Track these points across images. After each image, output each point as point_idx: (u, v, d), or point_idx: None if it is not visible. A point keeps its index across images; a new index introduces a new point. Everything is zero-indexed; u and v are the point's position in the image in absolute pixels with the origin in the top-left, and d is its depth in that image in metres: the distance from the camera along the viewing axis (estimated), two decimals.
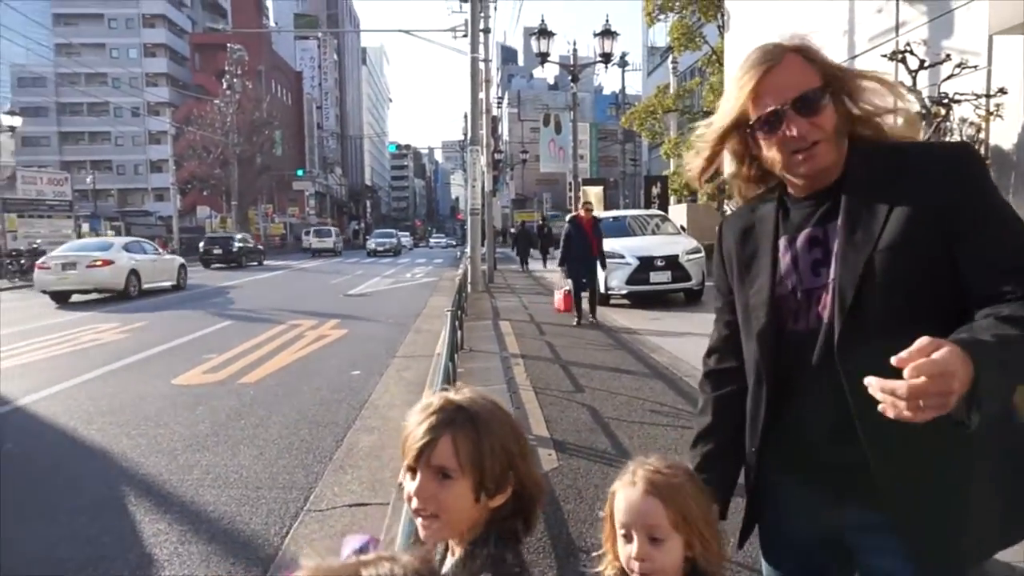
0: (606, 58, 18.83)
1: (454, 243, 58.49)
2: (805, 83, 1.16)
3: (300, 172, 56.30)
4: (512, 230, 38.41)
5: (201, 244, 28.97)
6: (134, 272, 15.72)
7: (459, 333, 7.48)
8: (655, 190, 21.92)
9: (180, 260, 19.13)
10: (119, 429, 5.27)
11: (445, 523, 0.99)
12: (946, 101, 8.60)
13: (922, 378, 0.84)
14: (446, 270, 23.97)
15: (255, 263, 29.08)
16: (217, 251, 27.57)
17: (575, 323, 9.37)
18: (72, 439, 5.10)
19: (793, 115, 1.15)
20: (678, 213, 19.20)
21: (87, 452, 4.81)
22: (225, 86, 43.05)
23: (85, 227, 27.65)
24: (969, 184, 1.13)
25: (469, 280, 13.59)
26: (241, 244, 28.60)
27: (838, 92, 1.19)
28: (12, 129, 23.69)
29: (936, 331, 0.92)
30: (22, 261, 20.41)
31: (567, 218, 10.60)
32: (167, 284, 17.58)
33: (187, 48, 63.29)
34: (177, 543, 3.34)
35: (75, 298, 15.30)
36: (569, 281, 9.63)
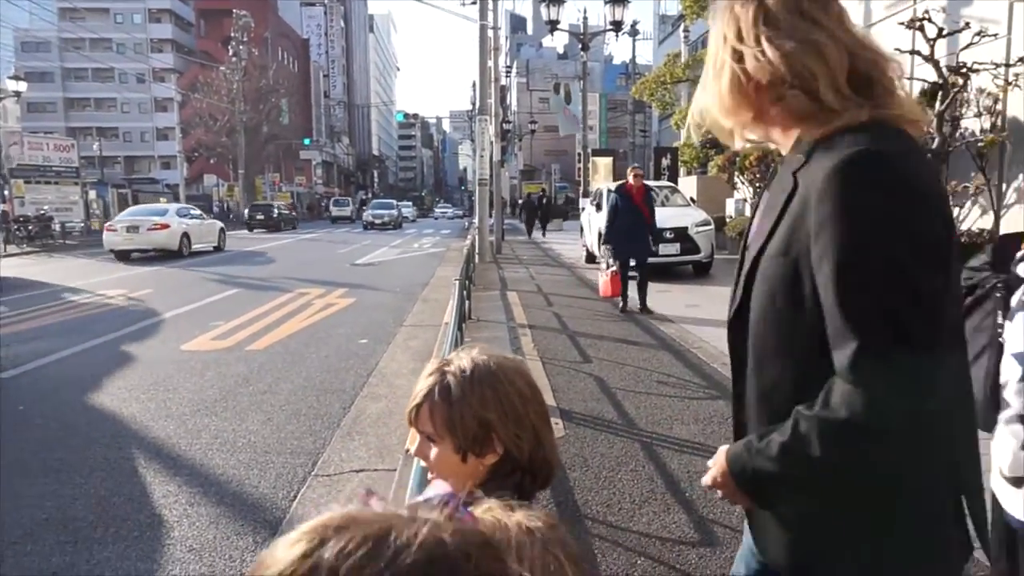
0: (617, 26, 18.53)
1: (461, 214, 56.27)
2: None
3: (307, 141, 55.94)
4: (520, 201, 38.54)
5: (247, 210, 33.99)
6: (185, 235, 18.01)
7: (467, 303, 7.47)
8: (665, 161, 21.69)
9: (220, 224, 21.35)
10: (129, 393, 5.31)
11: (442, 479, 1.04)
12: (964, 71, 8.43)
13: (719, 492, 1.12)
14: (453, 241, 23.91)
15: (291, 227, 33.99)
16: (260, 216, 32.25)
17: (620, 309, 8.14)
18: (83, 402, 5.14)
19: None
20: (688, 185, 19.01)
21: (98, 415, 4.85)
22: (231, 53, 42.59)
23: (92, 194, 27.61)
24: (827, 209, 0.93)
25: (477, 251, 13.55)
26: (279, 211, 33.95)
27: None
28: (17, 94, 23.54)
29: (800, 354, 0.98)
30: (30, 227, 20.46)
31: (611, 187, 8.89)
32: (210, 246, 19.72)
33: (192, 14, 62.54)
34: (187, 505, 3.37)
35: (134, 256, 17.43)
36: (614, 261, 8.04)
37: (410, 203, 56.57)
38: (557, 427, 4.15)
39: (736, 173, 15.72)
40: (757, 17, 1.02)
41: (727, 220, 15.81)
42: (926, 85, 9.09)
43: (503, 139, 19.72)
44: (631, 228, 7.95)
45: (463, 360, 1.05)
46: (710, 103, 1.10)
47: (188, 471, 3.81)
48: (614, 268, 7.99)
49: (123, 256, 17.19)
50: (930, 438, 0.95)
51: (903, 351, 0.89)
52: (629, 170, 8.34)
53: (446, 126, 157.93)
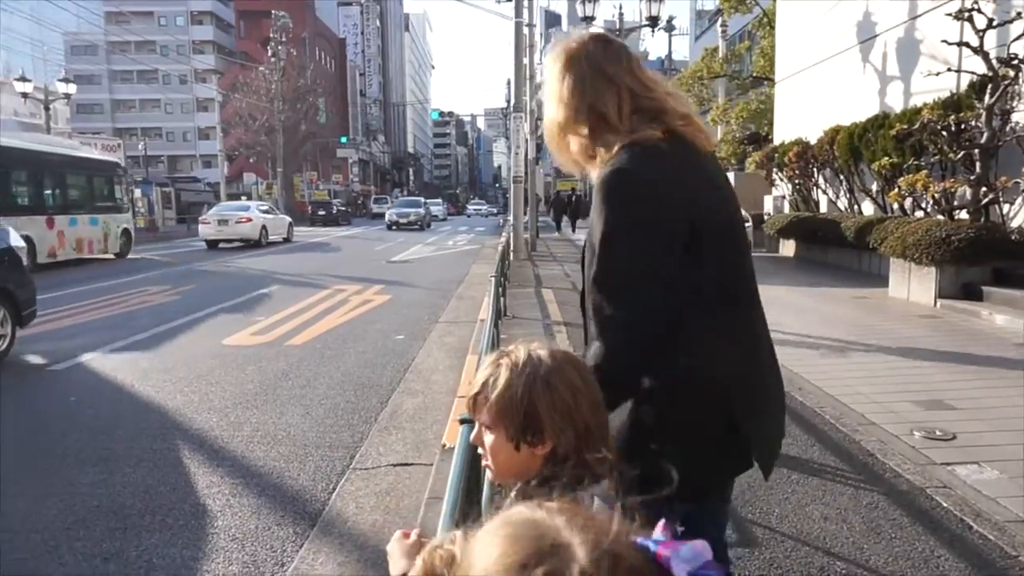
0: (653, 22, 18.31)
1: (495, 211, 55.28)
2: None
3: (343, 139, 56.66)
4: (550, 198, 38.63)
5: (310, 207, 39.73)
6: (264, 227, 21.32)
7: (502, 300, 7.50)
8: None
9: (289, 219, 24.76)
10: (173, 386, 5.45)
11: (496, 467, 1.09)
12: (1015, 62, 8.14)
13: None
14: (488, 238, 23.98)
15: (346, 223, 38.43)
16: (322, 212, 37.69)
17: None
18: (129, 394, 5.30)
19: None
20: None
21: (144, 406, 4.99)
22: (270, 53, 43.30)
23: (137, 192, 28.35)
24: (596, 210, 1.34)
25: (512, 248, 13.57)
26: (337, 208, 40.22)
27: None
28: (67, 96, 24.31)
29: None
30: None
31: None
32: (280, 237, 22.83)
33: (232, 15, 63.80)
34: (229, 495, 3.45)
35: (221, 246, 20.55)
36: None
37: (440, 200, 54.33)
38: None
39: (775, 170, 15.45)
40: (567, 74, 1.42)
41: (765, 217, 15.56)
42: (975, 78, 8.82)
43: (538, 136, 19.68)
44: None
45: (519, 352, 1.08)
46: (547, 129, 1.49)
47: (230, 463, 3.90)
48: None
49: (212, 245, 20.58)
50: (667, 376, 1.32)
51: (608, 316, 1.30)
52: None
53: (480, 124, 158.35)
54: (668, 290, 1.31)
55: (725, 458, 1.41)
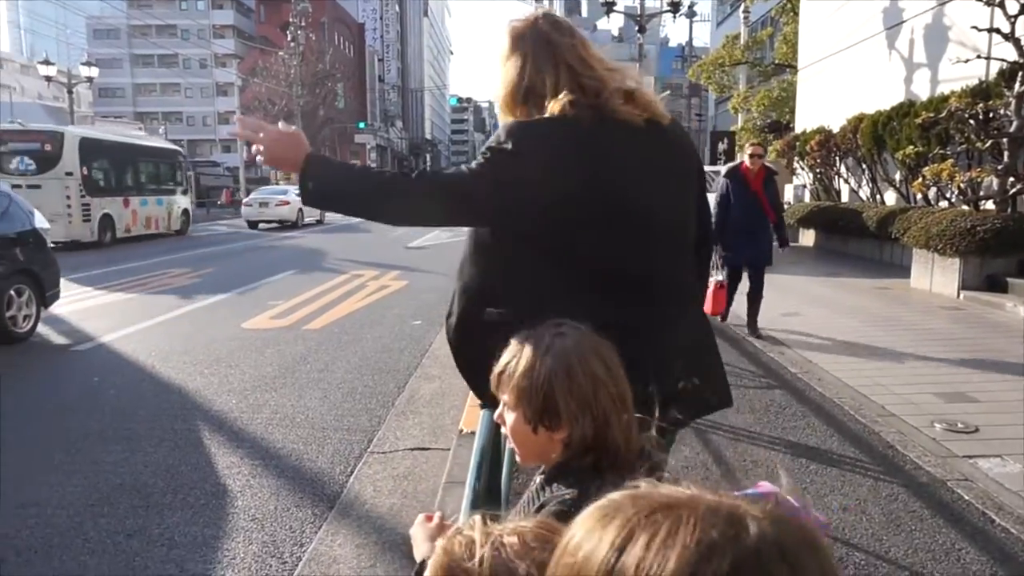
0: (674, 8, 18.14)
1: None
2: None
3: (361, 125, 56.72)
4: None
5: None
6: (300, 209, 23.01)
7: None
8: (721, 146, 21.21)
9: None
10: (193, 368, 5.52)
11: (518, 447, 1.11)
12: None
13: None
14: None
15: None
16: None
17: (720, 320, 6.42)
18: (151, 375, 5.38)
19: None
20: None
21: (165, 387, 5.06)
22: (289, 38, 43.36)
23: None
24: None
25: None
26: None
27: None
28: (90, 80, 24.51)
29: None
30: None
31: (723, 170, 6.96)
32: (315, 219, 24.73)
33: (252, 0, 63.90)
34: (249, 476, 3.50)
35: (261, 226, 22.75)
36: (722, 268, 6.21)
37: None
38: None
39: (796, 158, 15.26)
40: (512, 53, 1.54)
41: (786, 206, 15.38)
42: (1005, 65, 8.63)
43: None
44: (748, 224, 6.04)
45: (545, 335, 1.08)
46: (497, 97, 1.58)
47: (250, 444, 3.94)
48: (720, 278, 6.13)
49: (253, 225, 22.58)
50: None
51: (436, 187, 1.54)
52: (746, 146, 6.38)
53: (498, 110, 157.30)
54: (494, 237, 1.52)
55: None
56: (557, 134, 1.45)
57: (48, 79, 23.40)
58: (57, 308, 7.40)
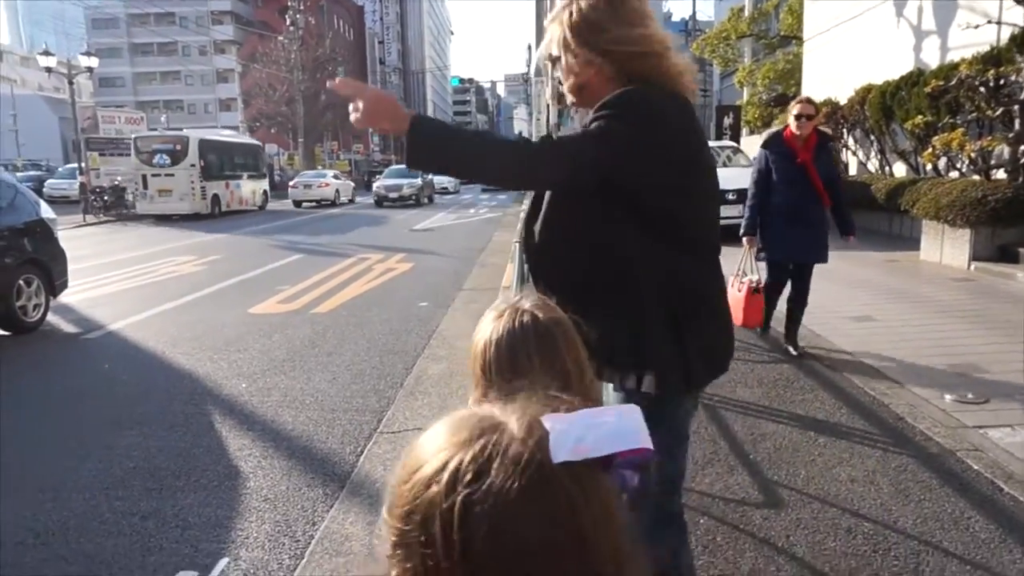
0: None
1: None
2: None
3: None
4: None
5: (366, 175, 44.25)
6: (337, 190, 27.53)
7: (525, 266, 7.46)
8: (727, 120, 20.99)
9: (353, 184, 32.00)
10: (203, 353, 5.55)
11: None
12: None
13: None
14: (511, 206, 23.86)
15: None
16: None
17: (759, 332, 5.16)
18: (161, 361, 5.41)
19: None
20: (751, 145, 18.38)
21: (175, 373, 5.10)
22: (288, 22, 43.05)
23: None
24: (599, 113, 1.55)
25: None
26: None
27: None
28: (90, 70, 24.41)
29: None
30: (105, 197, 21.36)
31: (762, 140, 5.19)
32: (348, 199, 28.91)
33: None
34: (260, 458, 3.53)
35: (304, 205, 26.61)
36: (756, 264, 4.85)
37: None
38: None
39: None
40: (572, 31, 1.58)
41: None
42: (1016, 29, 8.48)
43: (559, 102, 19.43)
44: (795, 209, 4.59)
45: (508, 307, 1.12)
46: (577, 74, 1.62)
47: (260, 427, 3.97)
48: (753, 278, 4.74)
49: (298, 204, 26.62)
50: None
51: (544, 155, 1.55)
52: (792, 105, 4.83)
53: (500, 90, 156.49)
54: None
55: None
56: (662, 104, 1.53)
57: (48, 70, 23.32)
58: (66, 297, 7.44)
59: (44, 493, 3.17)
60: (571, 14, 1.57)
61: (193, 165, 20.69)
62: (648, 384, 1.55)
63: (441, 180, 36.28)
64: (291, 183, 28.29)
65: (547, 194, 1.62)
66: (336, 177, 29.09)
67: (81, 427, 4.03)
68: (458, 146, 1.48)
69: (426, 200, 27.44)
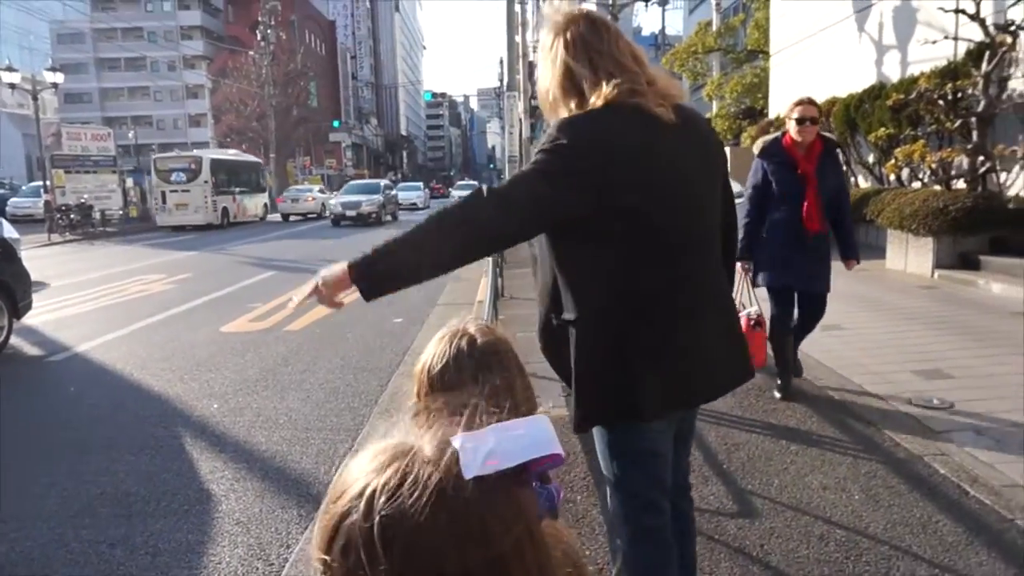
0: None
1: None
2: None
3: (336, 123, 56.28)
4: None
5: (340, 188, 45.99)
6: (323, 203, 28.30)
7: (500, 280, 7.48)
8: None
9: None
10: (173, 374, 5.46)
11: None
12: (1013, 29, 8.09)
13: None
14: None
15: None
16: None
17: (779, 387, 4.20)
18: (129, 383, 5.31)
19: None
20: None
21: (144, 395, 5.00)
22: (259, 37, 42.83)
23: (129, 181, 28.17)
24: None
25: None
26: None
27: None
28: (55, 86, 24.02)
29: None
30: (72, 216, 20.96)
31: (758, 147, 4.24)
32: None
33: (220, 0, 62.98)
34: (232, 480, 3.47)
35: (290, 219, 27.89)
36: (755, 293, 4.19)
37: (420, 184, 43.03)
38: None
39: None
40: (556, 50, 1.62)
41: None
42: (971, 45, 8.76)
43: (532, 115, 19.54)
44: (794, 229, 3.94)
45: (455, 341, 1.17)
46: (540, 98, 1.67)
47: (233, 448, 3.91)
48: (753, 311, 4.06)
49: (285, 217, 28.25)
50: None
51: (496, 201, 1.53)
52: (791, 108, 4.03)
53: (473, 104, 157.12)
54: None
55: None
56: (604, 126, 1.51)
57: (12, 86, 22.91)
58: (30, 319, 7.27)
59: (6, 523, 3.08)
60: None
61: (206, 181, 23.39)
62: (578, 416, 1.61)
63: (409, 196, 35.50)
64: (278, 198, 30.48)
65: None
66: (321, 191, 31.00)
67: (46, 453, 3.93)
68: (404, 257, 1.51)
69: (388, 218, 25.61)
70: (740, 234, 3.87)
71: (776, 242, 3.99)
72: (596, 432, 1.69)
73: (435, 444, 0.56)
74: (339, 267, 1.50)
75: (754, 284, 4.15)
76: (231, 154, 28.64)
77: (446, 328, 1.16)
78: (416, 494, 0.52)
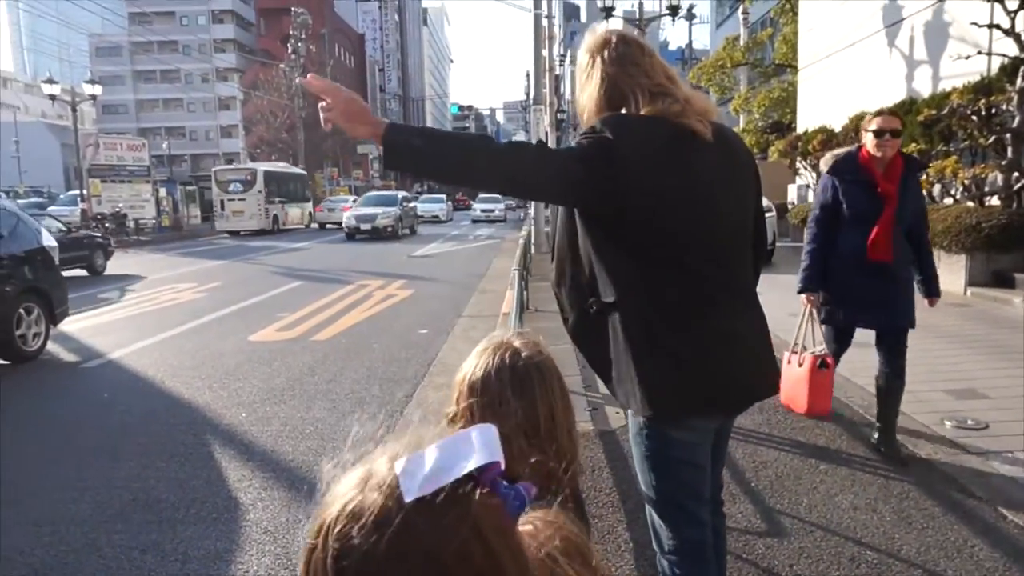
0: (673, 11, 18.19)
1: (514, 205, 41.10)
2: None
3: None
4: None
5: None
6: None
7: (525, 293, 7.49)
8: None
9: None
10: (202, 382, 5.55)
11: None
12: None
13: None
14: (509, 232, 23.99)
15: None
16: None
17: (878, 440, 3.61)
18: (160, 390, 5.40)
19: None
20: None
21: (175, 402, 5.09)
22: (290, 50, 43.61)
23: (162, 191, 28.80)
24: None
25: (533, 241, 13.56)
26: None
27: None
28: (93, 98, 24.68)
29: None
30: (107, 224, 21.45)
31: (827, 162, 3.57)
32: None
33: (253, 13, 64.31)
34: (260, 489, 3.51)
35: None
36: (828, 332, 3.67)
37: (443, 196, 40.01)
38: (618, 416, 4.14)
39: (798, 158, 15.25)
40: (592, 68, 1.68)
41: (789, 207, 15.37)
42: (1006, 60, 8.62)
43: (558, 129, 19.59)
44: (860, 254, 3.36)
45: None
46: (581, 112, 1.71)
47: (260, 457, 3.96)
48: (818, 350, 3.57)
49: (322, 226, 29.65)
50: None
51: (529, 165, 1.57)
52: (868, 119, 3.48)
53: (500, 117, 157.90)
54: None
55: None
56: (649, 131, 1.56)
57: (52, 98, 23.56)
58: (66, 325, 7.45)
59: (41, 527, 3.15)
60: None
61: (260, 191, 26.29)
62: (635, 407, 1.59)
63: (431, 208, 33.52)
64: (318, 207, 32.28)
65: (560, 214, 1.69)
66: (355, 201, 31.86)
67: (80, 458, 4.02)
68: (431, 150, 1.49)
69: (407, 231, 24.10)
70: (804, 261, 3.51)
71: (848, 275, 3.39)
72: (636, 439, 1.68)
73: (385, 467, 0.57)
74: (372, 117, 1.51)
75: (824, 321, 3.57)
76: (281, 167, 31.06)
77: (488, 339, 1.16)
78: (361, 523, 0.53)
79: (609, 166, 1.50)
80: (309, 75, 1.60)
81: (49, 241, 7.08)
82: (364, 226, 21.99)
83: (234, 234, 25.42)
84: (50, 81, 23.20)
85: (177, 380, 5.64)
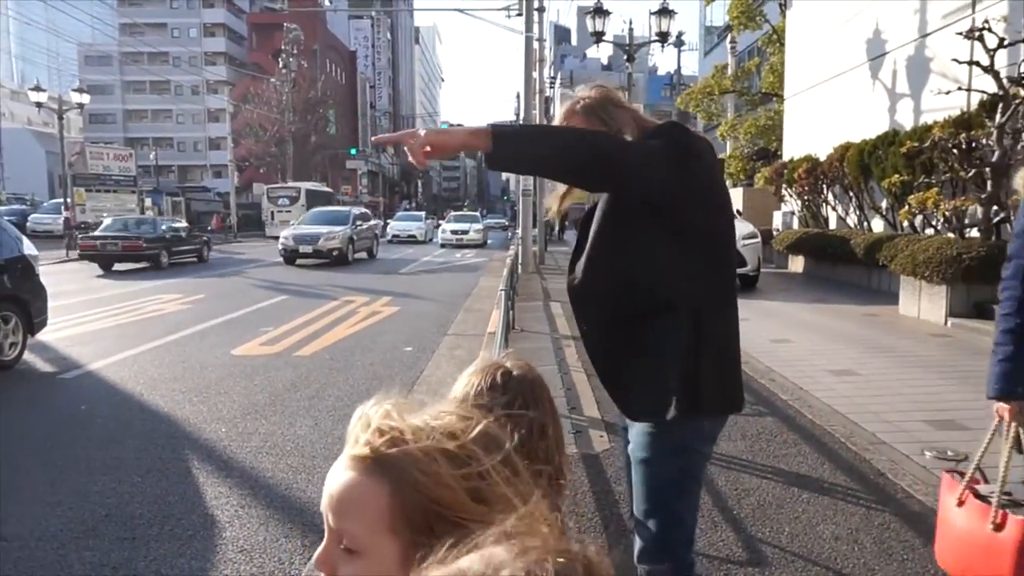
0: (663, 37, 18.43)
1: (504, 223, 43.57)
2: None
3: (353, 151, 56.92)
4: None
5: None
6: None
7: (511, 313, 7.49)
8: None
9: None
10: (182, 396, 5.47)
11: None
12: None
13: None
14: (496, 252, 24.02)
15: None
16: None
17: None
18: (139, 403, 5.32)
19: None
20: (734, 197, 18.71)
21: (153, 416, 5.01)
22: (281, 65, 43.72)
23: (148, 201, 28.64)
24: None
25: (520, 261, 13.59)
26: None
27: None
28: (81, 106, 24.56)
29: None
30: (91, 233, 21.24)
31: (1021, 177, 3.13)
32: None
33: (245, 27, 64.47)
34: (238, 506, 3.45)
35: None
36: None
37: (421, 214, 37.40)
38: (602, 439, 4.13)
39: (784, 185, 15.45)
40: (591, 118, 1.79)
41: (774, 233, 15.54)
42: (985, 96, 8.82)
43: None
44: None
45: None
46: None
47: (239, 473, 3.90)
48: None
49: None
50: None
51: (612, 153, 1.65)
52: None
53: None
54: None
55: None
56: (701, 136, 1.76)
57: (39, 105, 23.42)
58: (44, 335, 7.34)
59: (10, 542, 3.07)
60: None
61: (303, 205, 30.75)
62: (674, 408, 1.62)
63: (407, 226, 30.79)
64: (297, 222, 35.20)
65: (591, 232, 1.72)
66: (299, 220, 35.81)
67: (53, 471, 3.94)
68: (539, 130, 1.72)
69: (362, 255, 20.55)
70: (1000, 329, 2.12)
71: None
72: (654, 454, 1.69)
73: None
74: (466, 129, 1.53)
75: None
76: (316, 186, 37.29)
77: (479, 361, 1.16)
78: None
79: (687, 161, 1.61)
80: (374, 137, 1.76)
81: (30, 250, 6.99)
82: (304, 248, 18.08)
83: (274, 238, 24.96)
84: (37, 88, 23.08)
85: (156, 393, 5.56)
